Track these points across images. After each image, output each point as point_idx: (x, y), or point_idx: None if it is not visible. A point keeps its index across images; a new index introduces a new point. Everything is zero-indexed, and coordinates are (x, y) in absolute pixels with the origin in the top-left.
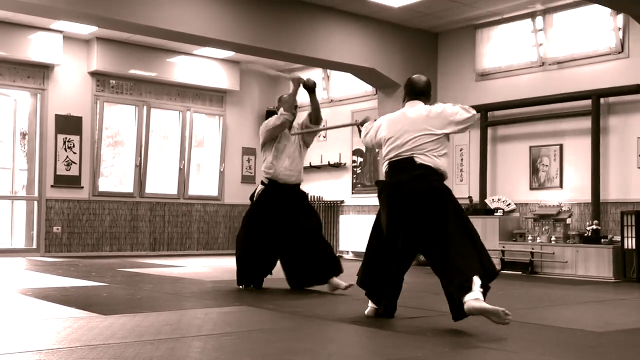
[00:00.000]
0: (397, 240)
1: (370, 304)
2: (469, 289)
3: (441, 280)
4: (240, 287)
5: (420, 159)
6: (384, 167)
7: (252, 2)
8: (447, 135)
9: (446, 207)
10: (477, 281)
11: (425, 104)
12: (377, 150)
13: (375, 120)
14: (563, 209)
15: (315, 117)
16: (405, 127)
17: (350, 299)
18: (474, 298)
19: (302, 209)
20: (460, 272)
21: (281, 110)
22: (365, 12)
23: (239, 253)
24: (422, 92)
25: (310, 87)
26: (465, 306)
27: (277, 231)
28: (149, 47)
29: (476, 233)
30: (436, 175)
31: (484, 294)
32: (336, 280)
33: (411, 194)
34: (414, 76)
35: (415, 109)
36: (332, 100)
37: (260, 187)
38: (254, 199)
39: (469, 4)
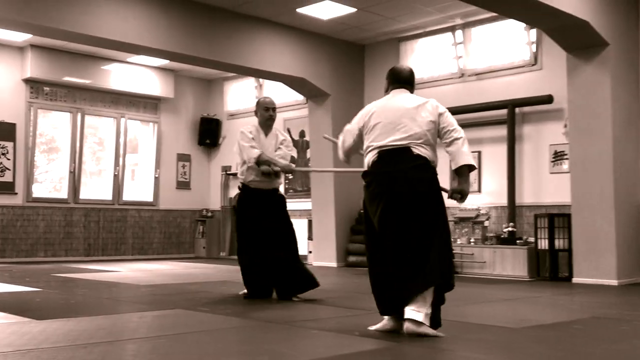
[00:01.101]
0: (387, 233)
1: (385, 319)
2: (419, 301)
3: (401, 272)
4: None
5: (417, 150)
6: (370, 156)
7: (186, 11)
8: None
9: (440, 204)
10: (428, 299)
11: (410, 93)
12: (355, 151)
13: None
14: (481, 212)
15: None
16: (399, 114)
17: (290, 303)
18: (414, 320)
19: (272, 215)
20: (424, 277)
21: (253, 154)
22: (296, 24)
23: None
24: (407, 81)
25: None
26: (405, 327)
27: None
28: (84, 55)
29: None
30: (434, 169)
31: (435, 311)
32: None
33: (414, 184)
34: (398, 65)
35: (408, 97)
36: None
37: (237, 192)
38: (235, 205)
39: (392, 18)
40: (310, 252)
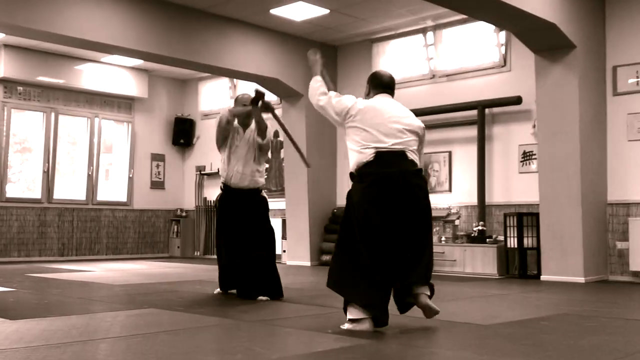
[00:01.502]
0: (391, 233)
1: (359, 315)
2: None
3: (402, 271)
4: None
5: (411, 156)
6: (364, 155)
7: (160, 11)
8: None
9: (430, 209)
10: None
11: (392, 98)
12: (333, 118)
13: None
14: (452, 211)
15: (259, 130)
16: (392, 119)
17: (264, 303)
18: (427, 295)
19: (253, 216)
20: (426, 271)
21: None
22: (269, 25)
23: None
24: (390, 86)
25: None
26: (421, 299)
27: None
28: (57, 55)
29: None
30: (424, 176)
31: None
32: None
33: (415, 190)
34: (380, 70)
35: (397, 104)
36: None
37: (219, 192)
38: (216, 205)
39: (365, 19)
40: (284, 251)
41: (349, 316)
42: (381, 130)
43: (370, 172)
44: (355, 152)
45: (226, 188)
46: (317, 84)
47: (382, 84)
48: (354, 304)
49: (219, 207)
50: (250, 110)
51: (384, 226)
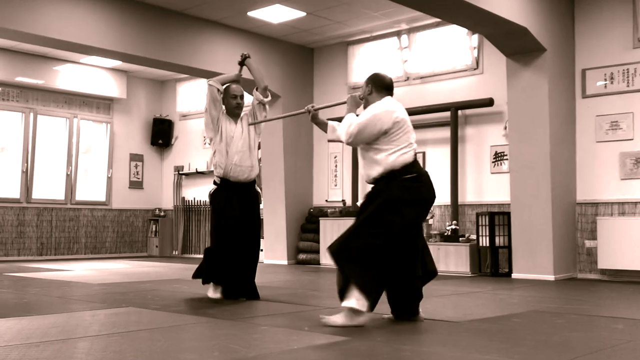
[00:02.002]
0: (416, 230)
1: (361, 306)
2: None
3: (409, 271)
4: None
5: None
6: (405, 156)
7: (138, 13)
8: None
9: None
10: None
11: None
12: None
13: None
14: None
15: (257, 83)
16: (409, 122)
17: (242, 302)
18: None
19: (249, 212)
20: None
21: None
22: (247, 27)
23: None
24: (391, 88)
25: (242, 61)
26: (421, 318)
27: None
28: (36, 55)
29: None
30: None
31: None
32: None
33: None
34: (380, 72)
35: (403, 107)
36: None
37: (213, 187)
38: (210, 200)
39: (341, 22)
40: (261, 250)
41: (350, 304)
42: (411, 132)
43: (415, 171)
44: (394, 153)
45: (223, 182)
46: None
47: (387, 86)
48: (361, 287)
49: (218, 201)
50: (239, 75)
51: (419, 224)
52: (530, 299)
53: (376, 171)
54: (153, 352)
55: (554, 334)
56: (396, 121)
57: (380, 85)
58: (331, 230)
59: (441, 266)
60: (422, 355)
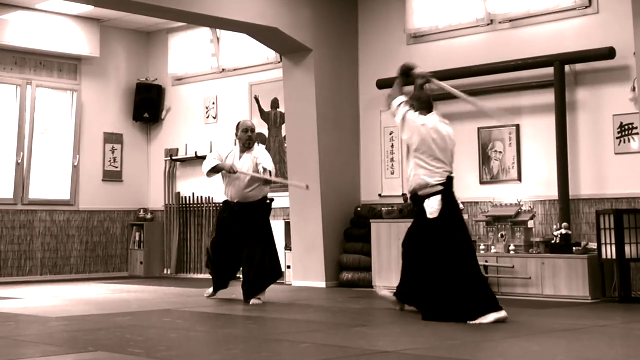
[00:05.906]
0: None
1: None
2: None
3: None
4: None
5: None
6: (441, 177)
7: None
8: None
9: None
10: None
11: None
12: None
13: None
14: (523, 208)
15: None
16: (450, 144)
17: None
18: None
19: (251, 228)
20: None
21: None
22: None
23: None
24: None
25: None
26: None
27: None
28: None
29: None
30: None
31: None
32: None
33: None
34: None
35: (446, 126)
36: (223, 70)
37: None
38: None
39: None
40: (289, 267)
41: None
42: (445, 156)
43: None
44: (429, 169)
45: (227, 202)
46: None
47: (429, 106)
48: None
49: (220, 223)
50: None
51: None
52: None
53: None
54: None
55: None
56: (426, 135)
57: (427, 103)
58: (387, 237)
59: (547, 289)
60: None
